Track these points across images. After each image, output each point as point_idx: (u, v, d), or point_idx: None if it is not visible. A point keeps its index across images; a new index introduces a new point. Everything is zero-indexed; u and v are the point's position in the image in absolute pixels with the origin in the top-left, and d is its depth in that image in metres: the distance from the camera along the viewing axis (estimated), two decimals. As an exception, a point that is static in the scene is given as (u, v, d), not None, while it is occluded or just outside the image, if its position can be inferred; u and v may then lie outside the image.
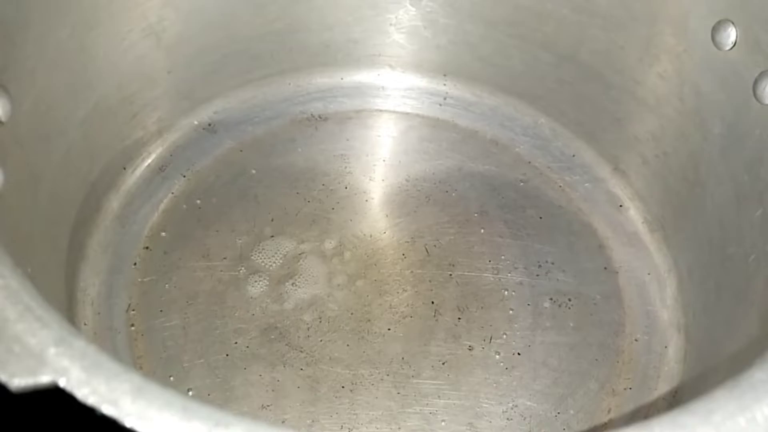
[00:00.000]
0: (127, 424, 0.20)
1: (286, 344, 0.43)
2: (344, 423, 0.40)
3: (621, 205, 0.50)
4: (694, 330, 0.44)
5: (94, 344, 0.22)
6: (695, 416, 0.22)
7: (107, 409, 0.21)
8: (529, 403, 0.42)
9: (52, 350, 0.21)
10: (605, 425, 0.41)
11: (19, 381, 0.21)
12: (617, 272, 0.47)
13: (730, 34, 0.40)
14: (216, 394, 0.41)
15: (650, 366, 0.43)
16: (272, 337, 0.43)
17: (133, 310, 0.43)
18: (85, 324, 0.42)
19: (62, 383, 0.21)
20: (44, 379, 0.21)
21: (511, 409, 0.41)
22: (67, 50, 0.41)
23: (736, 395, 0.22)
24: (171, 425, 0.20)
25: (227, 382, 0.41)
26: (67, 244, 0.42)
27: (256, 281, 0.45)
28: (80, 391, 0.21)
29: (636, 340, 0.44)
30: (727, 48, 0.41)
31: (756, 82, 0.39)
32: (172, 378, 0.41)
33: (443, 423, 0.41)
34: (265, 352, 0.42)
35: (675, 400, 0.42)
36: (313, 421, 0.40)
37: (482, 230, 0.48)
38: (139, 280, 0.45)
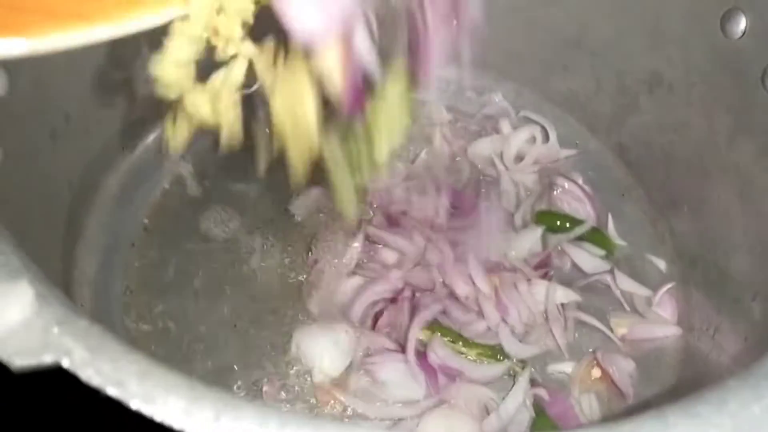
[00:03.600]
0: (133, 407, 0.20)
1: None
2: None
3: (623, 194, 0.50)
4: (694, 320, 0.43)
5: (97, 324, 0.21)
6: (709, 405, 0.22)
7: (112, 391, 0.20)
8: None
9: (55, 329, 0.21)
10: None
11: (21, 361, 0.20)
12: (618, 261, 0.46)
13: (740, 23, 0.40)
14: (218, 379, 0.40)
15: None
16: (273, 319, 0.42)
17: (131, 292, 0.43)
18: (82, 305, 0.41)
19: (65, 363, 0.20)
20: (47, 358, 0.20)
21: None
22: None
23: (751, 384, 0.22)
24: (178, 408, 0.20)
25: (230, 366, 0.41)
26: (64, 222, 0.41)
27: (258, 262, 0.44)
28: (84, 371, 0.20)
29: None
30: (737, 37, 0.40)
31: (765, 72, 0.38)
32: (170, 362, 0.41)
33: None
34: (269, 334, 0.42)
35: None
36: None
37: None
38: (138, 261, 0.44)
